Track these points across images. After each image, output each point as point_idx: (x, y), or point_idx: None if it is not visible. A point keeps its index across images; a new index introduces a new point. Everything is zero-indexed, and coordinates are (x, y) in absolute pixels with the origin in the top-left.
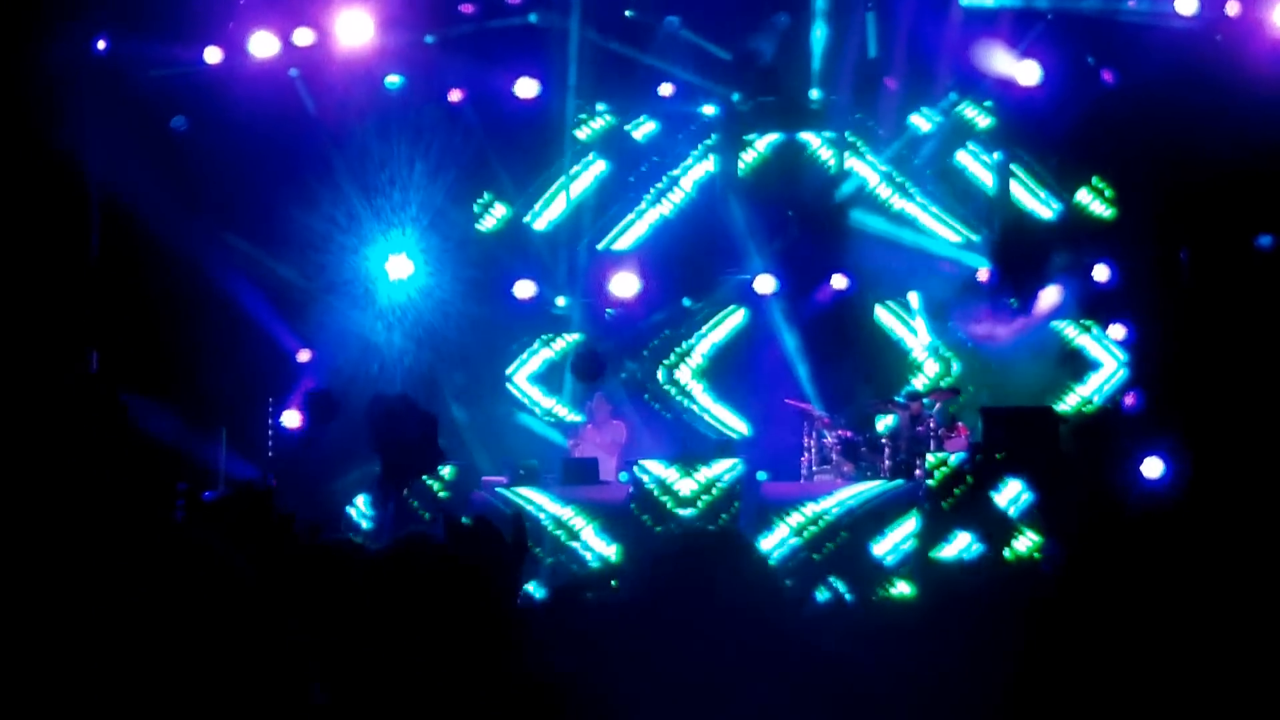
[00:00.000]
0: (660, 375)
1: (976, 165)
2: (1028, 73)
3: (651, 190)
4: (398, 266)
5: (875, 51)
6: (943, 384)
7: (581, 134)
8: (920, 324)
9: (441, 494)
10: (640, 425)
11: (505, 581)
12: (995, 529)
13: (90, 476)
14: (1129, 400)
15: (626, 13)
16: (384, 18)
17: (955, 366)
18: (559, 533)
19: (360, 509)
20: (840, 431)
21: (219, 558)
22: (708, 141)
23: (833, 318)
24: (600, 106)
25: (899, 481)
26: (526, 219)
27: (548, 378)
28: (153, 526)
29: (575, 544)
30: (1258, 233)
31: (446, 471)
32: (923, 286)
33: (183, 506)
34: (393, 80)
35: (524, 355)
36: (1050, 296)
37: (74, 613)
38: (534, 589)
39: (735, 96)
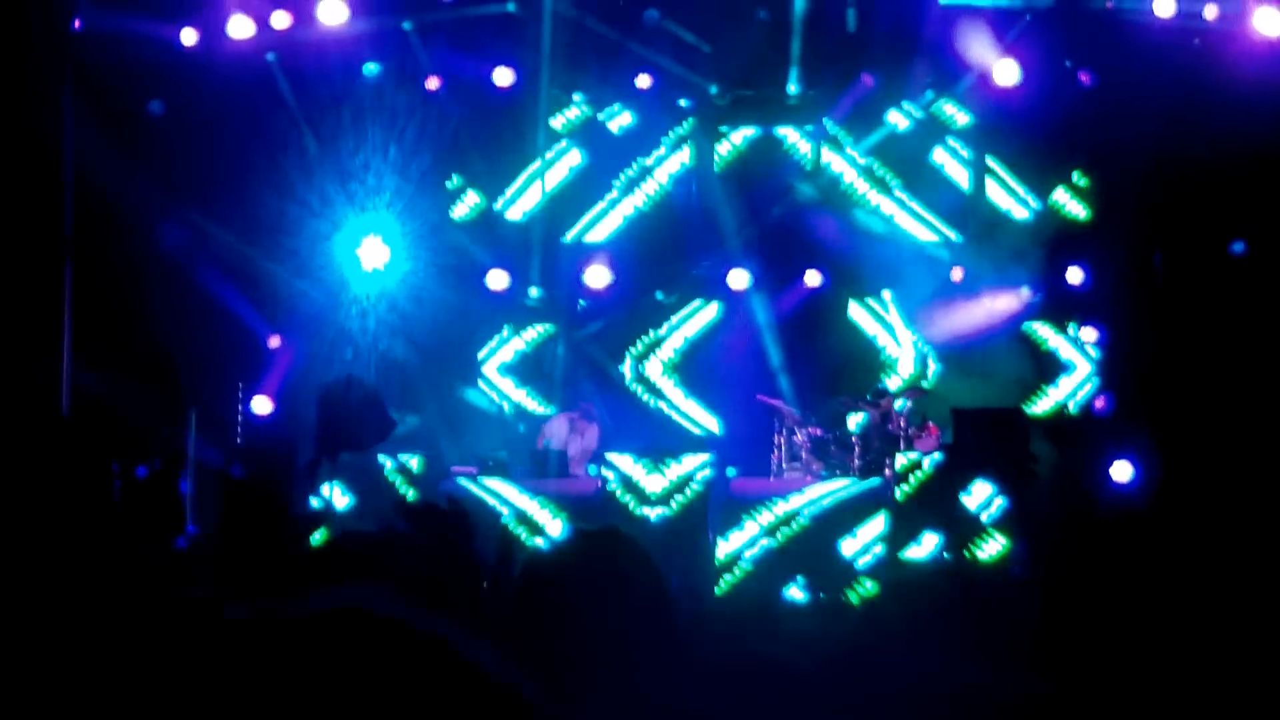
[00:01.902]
0: (629, 368)
1: (953, 163)
2: (1006, 71)
3: (625, 181)
4: (371, 253)
5: (856, 32)
6: (920, 384)
7: (557, 124)
8: (898, 322)
9: (407, 486)
10: (609, 419)
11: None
12: (962, 530)
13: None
14: (1100, 403)
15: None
16: (362, 3)
17: (932, 366)
18: (522, 528)
19: (325, 498)
20: (810, 429)
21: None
22: (681, 131)
23: (806, 314)
24: (577, 97)
25: (868, 480)
26: (500, 208)
27: (518, 368)
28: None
29: (539, 539)
30: (1232, 238)
31: (415, 461)
32: (897, 284)
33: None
34: (370, 67)
35: (495, 345)
36: (1010, 299)
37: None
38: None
39: (713, 89)
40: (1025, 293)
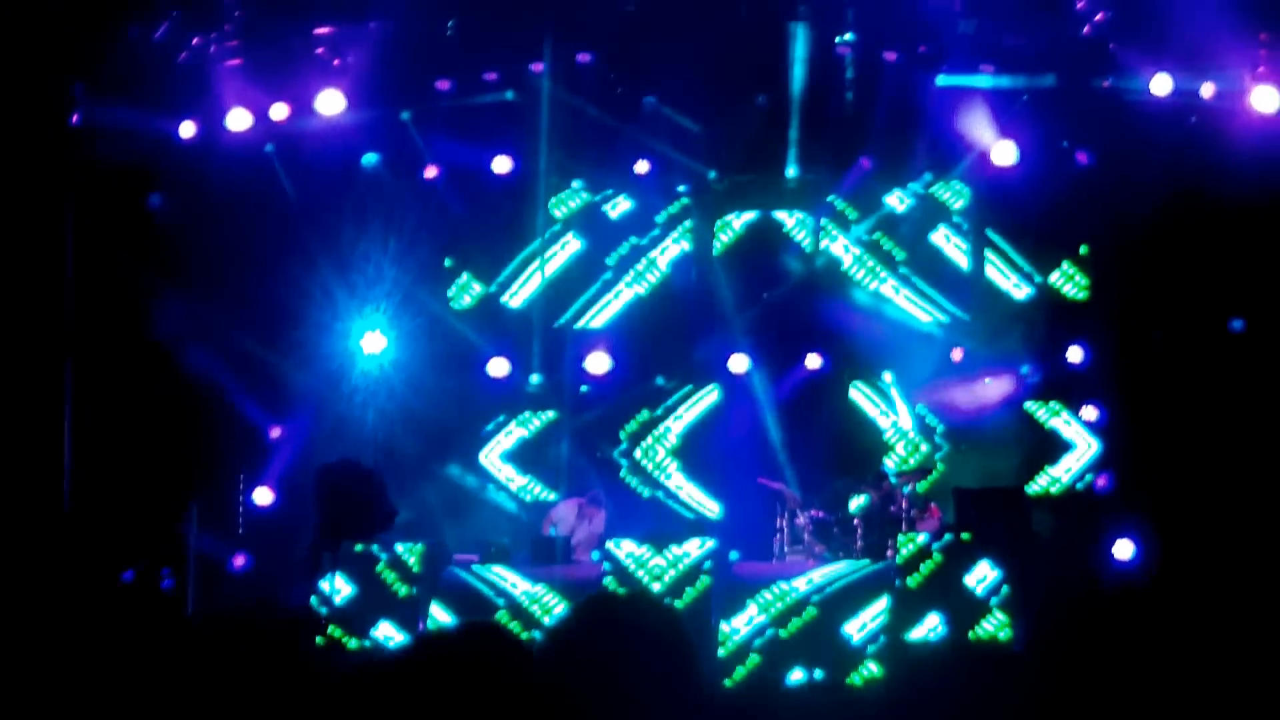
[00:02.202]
0: (639, 455)
1: (952, 244)
2: (1004, 151)
3: (625, 266)
4: (372, 343)
5: (854, 115)
6: (922, 465)
7: (557, 212)
8: (900, 404)
9: (415, 570)
10: (613, 506)
11: None
12: (966, 610)
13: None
14: (1101, 482)
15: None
16: (360, 94)
17: (932, 447)
18: (533, 609)
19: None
20: (813, 511)
21: None
22: (679, 216)
23: (807, 397)
24: (575, 183)
25: (870, 562)
26: (502, 297)
27: (520, 455)
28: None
29: (549, 621)
30: (1230, 315)
31: (416, 550)
32: (897, 365)
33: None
34: (368, 157)
35: (497, 433)
36: (998, 385)
37: None
38: None
39: (711, 174)
40: (1021, 374)
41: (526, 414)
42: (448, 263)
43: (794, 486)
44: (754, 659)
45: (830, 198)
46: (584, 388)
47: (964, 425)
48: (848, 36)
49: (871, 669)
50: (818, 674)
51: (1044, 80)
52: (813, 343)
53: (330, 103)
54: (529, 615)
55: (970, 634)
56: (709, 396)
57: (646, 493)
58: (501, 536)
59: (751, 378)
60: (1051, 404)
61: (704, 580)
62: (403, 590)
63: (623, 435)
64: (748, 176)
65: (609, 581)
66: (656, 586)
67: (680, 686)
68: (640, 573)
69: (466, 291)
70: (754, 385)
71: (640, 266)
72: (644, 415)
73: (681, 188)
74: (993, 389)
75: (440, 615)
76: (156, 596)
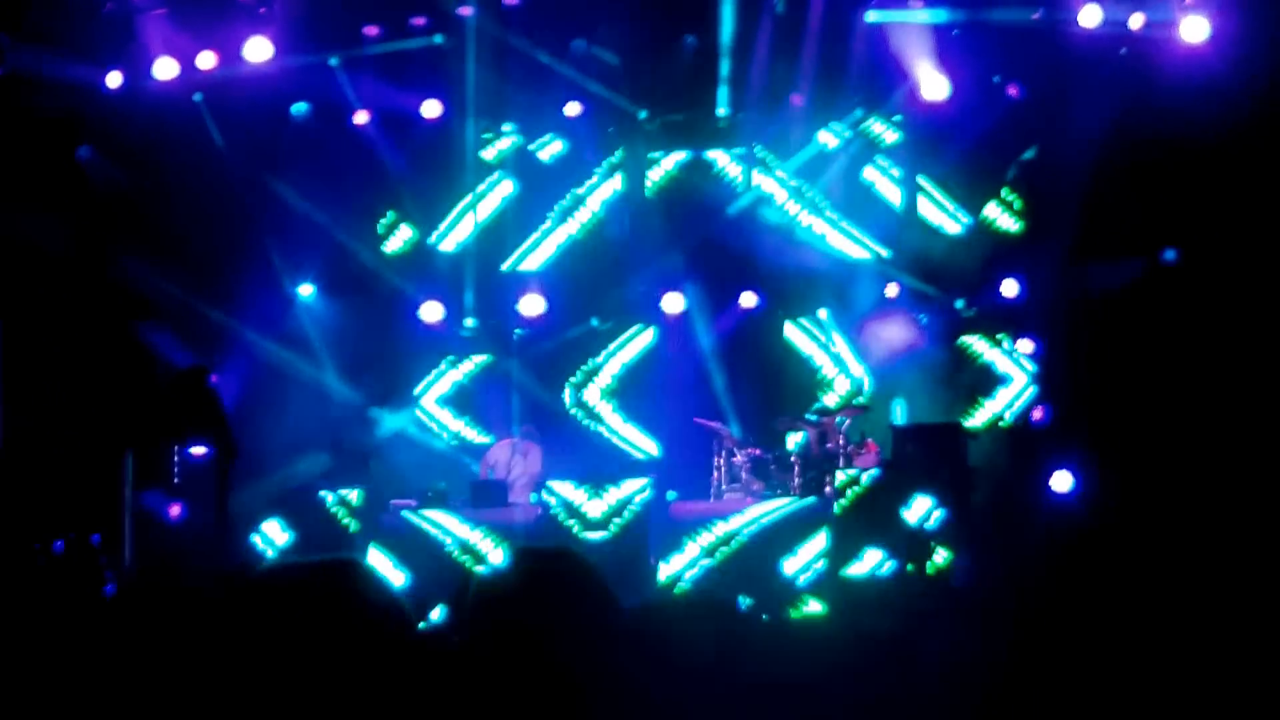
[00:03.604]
0: (568, 396)
1: (884, 181)
2: (935, 85)
3: (558, 209)
4: (305, 289)
5: (783, 52)
6: (854, 401)
7: (488, 154)
8: (839, 340)
9: (349, 518)
10: (549, 446)
11: None
12: (904, 545)
13: None
14: (1038, 414)
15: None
16: (287, 41)
17: (868, 383)
18: (465, 557)
19: (265, 535)
20: (750, 450)
21: None
22: (613, 160)
23: (742, 336)
24: (507, 126)
25: (809, 499)
26: (433, 240)
27: (456, 399)
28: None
29: (483, 568)
30: (1163, 246)
31: (355, 495)
32: (833, 302)
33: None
34: (298, 107)
35: (432, 377)
36: (899, 331)
37: None
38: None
39: (642, 115)
40: (919, 320)
41: (461, 358)
42: (387, 216)
43: (731, 425)
44: (687, 590)
45: (761, 135)
46: (518, 331)
47: (898, 362)
48: None
49: (813, 605)
50: (756, 612)
51: (974, 14)
52: (747, 281)
53: (258, 50)
54: (467, 559)
55: (909, 568)
56: (644, 336)
57: (586, 431)
58: (439, 480)
59: (686, 317)
60: (987, 337)
61: (641, 520)
62: (344, 530)
63: (558, 377)
64: (679, 116)
65: (547, 520)
66: (594, 531)
67: (598, 638)
68: (578, 514)
69: (398, 236)
70: (689, 324)
71: (572, 208)
72: (579, 356)
73: (612, 129)
74: (895, 334)
75: (379, 559)
76: (89, 555)
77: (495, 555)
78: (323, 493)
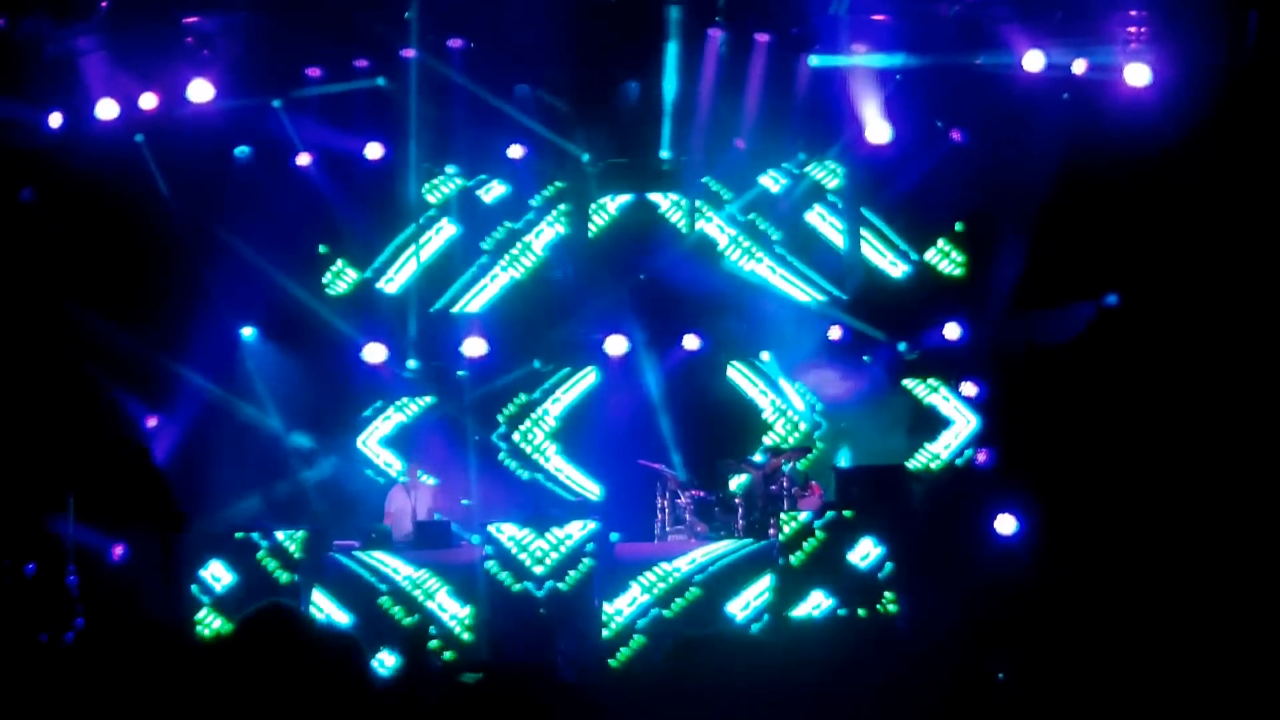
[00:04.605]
0: (516, 438)
1: (828, 223)
2: (878, 130)
3: (502, 252)
4: (248, 332)
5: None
6: (800, 443)
7: (431, 197)
8: (783, 383)
9: (297, 556)
10: (492, 489)
11: None
12: (849, 587)
13: None
14: (981, 457)
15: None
16: (230, 83)
17: (820, 425)
18: (415, 593)
19: (211, 575)
20: (693, 491)
21: None
22: (560, 206)
23: (685, 378)
24: (450, 169)
25: (753, 541)
26: (378, 283)
27: (399, 441)
28: None
29: (431, 604)
30: (1105, 291)
31: (298, 538)
32: (776, 345)
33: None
34: (241, 150)
35: (375, 419)
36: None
37: None
38: (388, 655)
39: (585, 158)
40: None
41: (404, 399)
42: (323, 250)
43: (675, 467)
44: (638, 640)
45: (704, 179)
46: (461, 372)
47: (843, 405)
48: (719, 19)
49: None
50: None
51: (918, 59)
52: (690, 323)
53: (200, 91)
54: (411, 600)
55: (856, 611)
56: (586, 378)
57: (526, 476)
58: (381, 522)
59: (629, 359)
60: (930, 380)
61: (587, 562)
62: (285, 577)
63: (501, 419)
64: (622, 159)
65: (490, 565)
66: (539, 569)
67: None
68: (522, 555)
69: (341, 278)
70: (632, 367)
71: (515, 250)
72: (521, 399)
73: (555, 172)
74: (833, 380)
75: (323, 601)
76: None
77: (441, 594)
78: (256, 537)
